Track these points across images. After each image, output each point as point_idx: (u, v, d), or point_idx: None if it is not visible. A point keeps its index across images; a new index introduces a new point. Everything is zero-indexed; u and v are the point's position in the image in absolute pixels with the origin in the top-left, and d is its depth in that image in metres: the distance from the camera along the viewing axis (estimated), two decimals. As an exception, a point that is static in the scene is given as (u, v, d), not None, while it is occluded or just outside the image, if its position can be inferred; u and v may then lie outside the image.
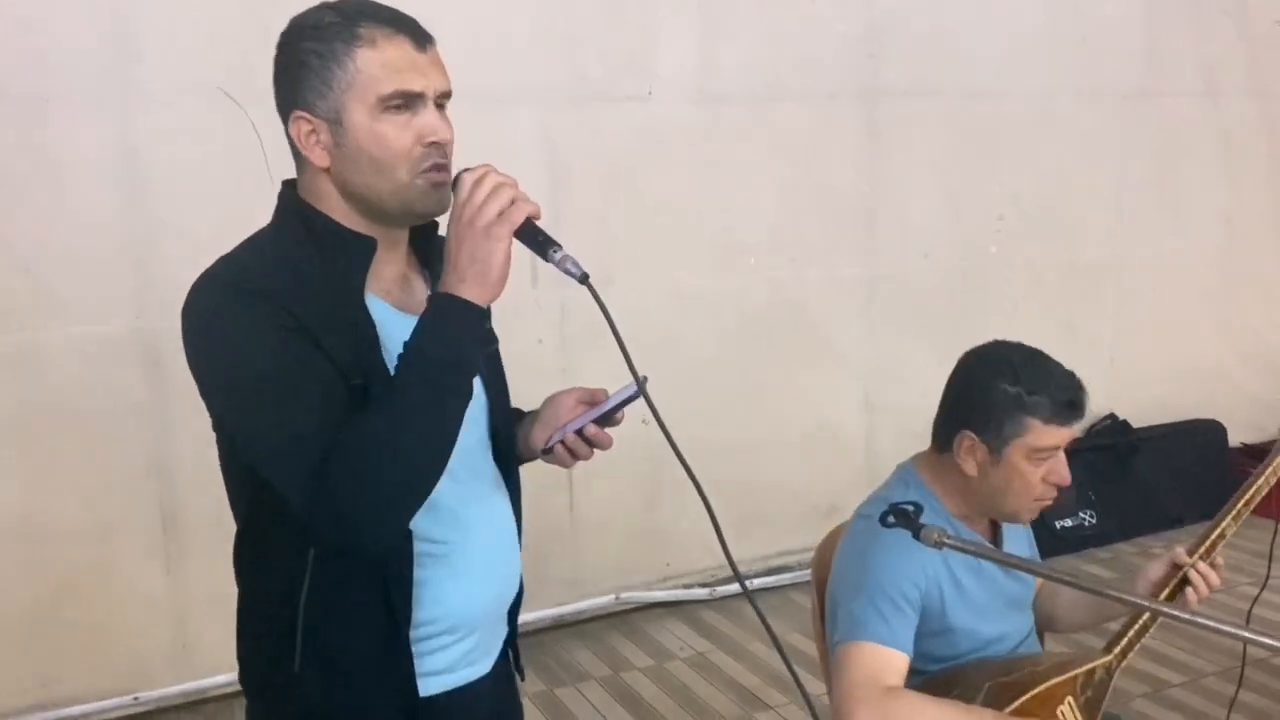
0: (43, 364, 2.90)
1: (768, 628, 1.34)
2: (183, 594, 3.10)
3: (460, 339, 1.22)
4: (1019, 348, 1.75)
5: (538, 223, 1.24)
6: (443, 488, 1.27)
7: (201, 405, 1.30)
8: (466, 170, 1.25)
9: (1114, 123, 4.35)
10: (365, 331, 1.28)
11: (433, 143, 1.27)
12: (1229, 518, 1.84)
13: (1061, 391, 1.68)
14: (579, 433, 1.40)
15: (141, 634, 3.07)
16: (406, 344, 1.23)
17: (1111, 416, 4.50)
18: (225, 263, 1.29)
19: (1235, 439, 4.65)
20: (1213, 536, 1.82)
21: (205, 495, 3.02)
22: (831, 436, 3.97)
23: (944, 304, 4.06)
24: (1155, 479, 4.44)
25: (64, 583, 2.97)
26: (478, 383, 1.38)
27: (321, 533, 1.22)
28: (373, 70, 1.25)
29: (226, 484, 1.38)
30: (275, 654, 1.33)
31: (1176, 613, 1.35)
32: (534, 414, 1.50)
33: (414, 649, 1.34)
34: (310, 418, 1.20)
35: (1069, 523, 4.27)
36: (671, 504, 3.63)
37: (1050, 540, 4.06)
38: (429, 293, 1.36)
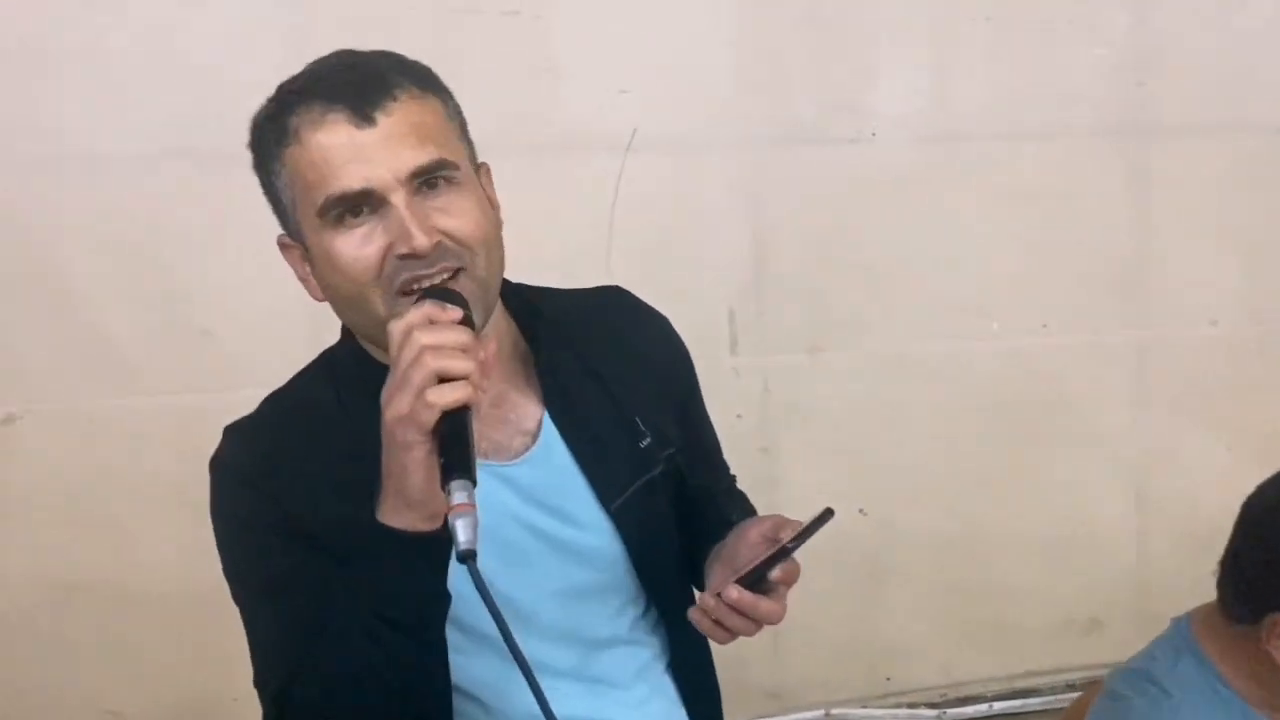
0: (216, 429, 2.81)
1: None
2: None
3: (389, 586, 0.94)
4: None
5: (476, 413, 0.90)
6: (495, 668, 1.03)
7: None
8: (394, 319, 0.92)
9: None
10: None
11: (405, 255, 0.96)
12: None
13: None
14: (719, 596, 1.03)
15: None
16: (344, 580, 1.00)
17: None
18: (234, 432, 1.18)
19: None
20: None
21: None
22: (1092, 536, 3.39)
23: (1234, 379, 3.42)
24: None
25: (231, 655, 2.85)
26: (607, 534, 1.10)
27: None
28: (301, 180, 1.00)
29: None
30: None
31: None
32: (719, 548, 1.15)
33: None
34: (299, 627, 1.02)
35: None
36: (894, 605, 3.17)
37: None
38: (540, 416, 1.07)
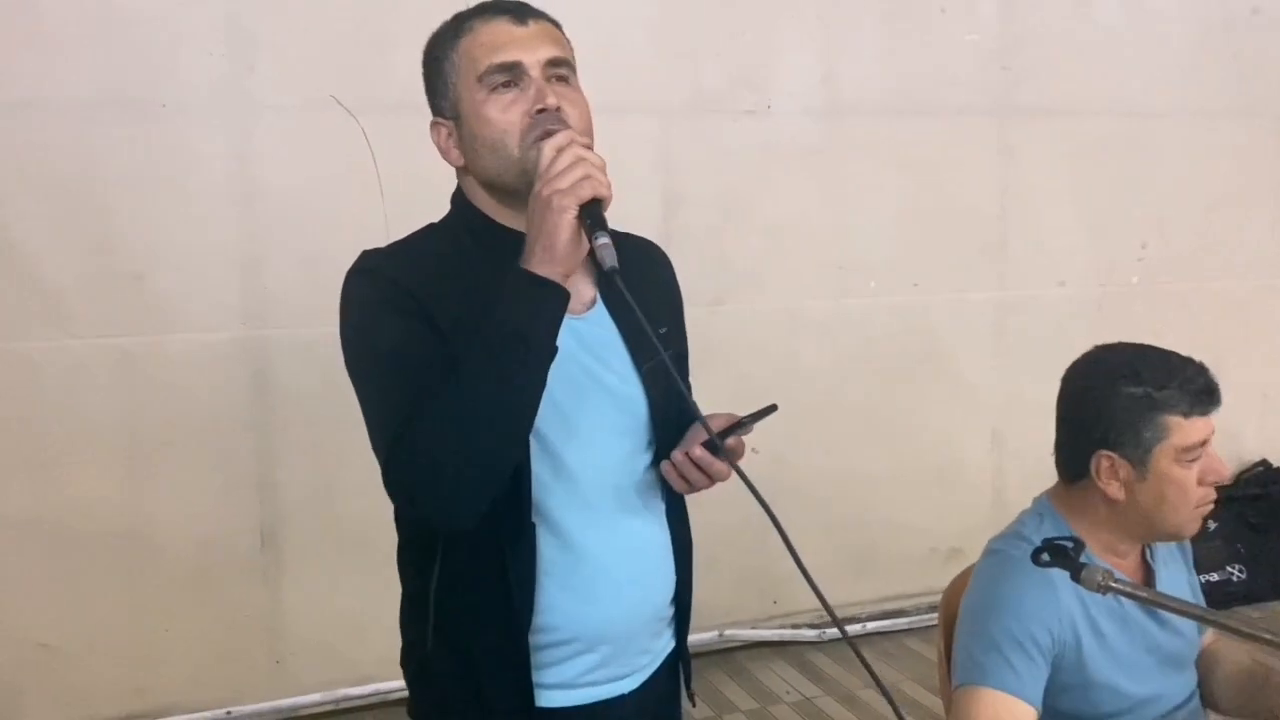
0: (149, 371, 2.90)
1: (869, 670, 1.17)
2: (278, 611, 3.05)
3: (524, 316, 1.17)
4: (1125, 346, 1.59)
5: (605, 205, 1.19)
6: (561, 510, 1.28)
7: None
8: (548, 139, 1.21)
9: (1271, 145, 4.04)
10: None
11: (540, 110, 1.24)
12: None
13: (1191, 379, 1.51)
14: (687, 454, 1.30)
15: (236, 648, 3.04)
16: (478, 321, 1.20)
17: (1264, 463, 4.14)
18: (368, 253, 1.33)
19: None
20: None
21: (305, 511, 3.05)
22: (956, 474, 3.74)
23: (1080, 335, 3.69)
24: (1314, 532, 4.08)
25: (163, 592, 2.96)
26: (637, 392, 1.34)
27: (396, 502, 1.24)
28: (472, 53, 1.27)
29: None
30: (418, 641, 1.37)
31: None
32: (688, 432, 1.40)
33: (532, 657, 1.32)
34: (406, 394, 1.19)
35: (1215, 577, 3.93)
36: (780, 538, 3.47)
37: (1195, 594, 3.75)
38: (595, 293, 1.34)
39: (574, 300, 1.26)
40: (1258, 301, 4.11)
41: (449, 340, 1.23)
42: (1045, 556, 1.20)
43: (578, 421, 1.30)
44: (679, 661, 1.49)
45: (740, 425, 1.29)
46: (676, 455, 1.31)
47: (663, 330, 1.34)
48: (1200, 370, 1.53)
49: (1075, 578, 1.17)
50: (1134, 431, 1.50)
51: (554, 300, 1.18)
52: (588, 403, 1.31)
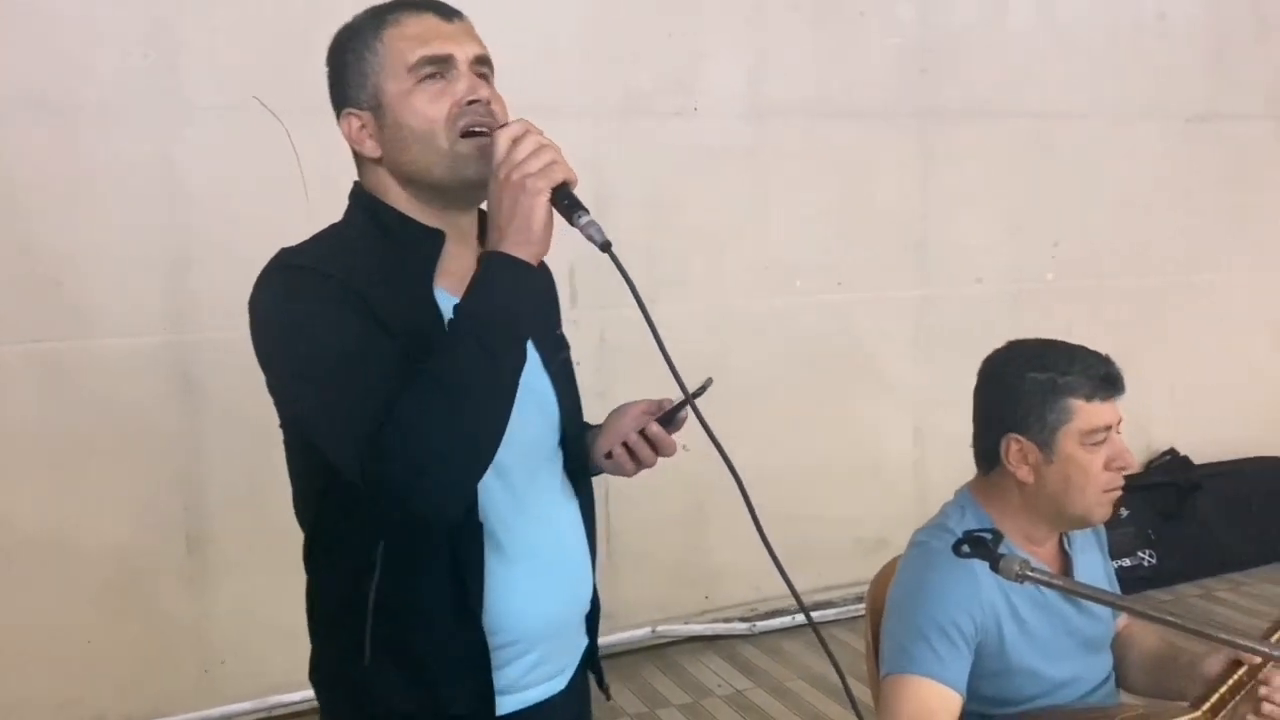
0: (72, 377, 2.85)
1: (830, 655, 1.22)
2: (207, 618, 3.02)
3: (508, 295, 1.17)
4: (1035, 340, 1.68)
5: (572, 189, 1.20)
6: (500, 507, 1.27)
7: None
8: (502, 127, 1.21)
9: (1179, 145, 4.21)
10: (429, 323, 1.25)
11: (470, 102, 1.24)
12: None
13: (1093, 365, 1.59)
14: (641, 433, 1.35)
15: (165, 657, 2.99)
16: (456, 306, 1.19)
17: (1172, 452, 4.31)
18: (287, 250, 1.28)
19: (1303, 477, 4.44)
20: None
21: (233, 516, 3.02)
22: (880, 466, 3.84)
23: (997, 331, 3.82)
24: (1218, 518, 4.24)
25: (89, 601, 2.91)
26: (549, 389, 1.36)
27: (382, 502, 1.18)
28: (399, 45, 1.26)
29: (295, 484, 1.36)
30: (347, 650, 1.30)
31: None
32: (599, 427, 1.45)
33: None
34: (369, 389, 1.16)
35: (1127, 562, 4.08)
36: (712, 533, 3.53)
37: (1108, 580, 3.89)
38: None
39: None
40: (1166, 297, 4.27)
41: (395, 338, 1.20)
42: (965, 548, 1.25)
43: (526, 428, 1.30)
44: (595, 657, 1.49)
45: (688, 401, 1.30)
46: (631, 435, 1.34)
47: (559, 330, 1.39)
48: (1103, 360, 1.60)
49: (994, 568, 1.22)
50: (1039, 414, 1.58)
51: (534, 282, 1.20)
52: (517, 410, 1.29)
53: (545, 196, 1.17)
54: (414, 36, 1.26)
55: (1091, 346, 1.66)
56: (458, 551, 1.26)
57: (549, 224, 1.18)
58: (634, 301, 1.19)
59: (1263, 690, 1.52)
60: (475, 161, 1.24)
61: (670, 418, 1.34)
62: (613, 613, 3.51)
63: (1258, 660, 1.51)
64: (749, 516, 1.29)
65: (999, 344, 4.30)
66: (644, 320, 1.20)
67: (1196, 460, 4.32)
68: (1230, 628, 3.86)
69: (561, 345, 1.42)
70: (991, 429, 1.64)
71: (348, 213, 1.35)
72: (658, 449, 1.36)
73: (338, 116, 1.32)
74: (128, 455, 2.90)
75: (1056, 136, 3.96)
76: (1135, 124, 4.11)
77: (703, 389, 1.29)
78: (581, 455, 1.43)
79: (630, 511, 3.46)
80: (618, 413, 1.42)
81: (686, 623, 3.64)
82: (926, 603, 1.56)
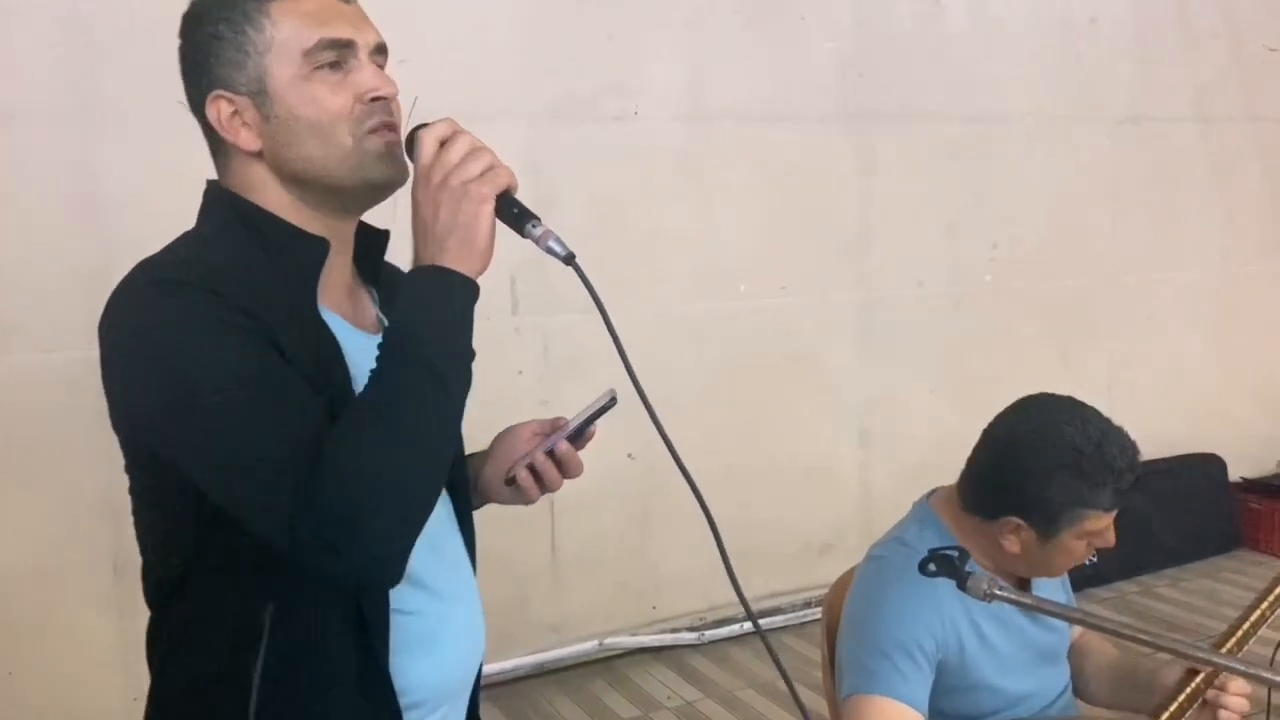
0: (-14, 393, 2.71)
1: (779, 665, 1.18)
2: (134, 646, 2.88)
3: (456, 315, 1.06)
4: (1069, 415, 1.53)
5: (516, 195, 1.10)
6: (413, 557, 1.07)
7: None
8: (422, 127, 1.09)
9: (1109, 148, 4.26)
10: (326, 344, 1.10)
11: (376, 98, 1.11)
12: (1260, 609, 1.55)
13: (1123, 477, 1.51)
14: (550, 454, 1.23)
15: (90, 686, 2.86)
16: (390, 330, 1.05)
17: (1109, 450, 4.36)
18: (153, 262, 1.09)
19: (1235, 473, 4.53)
20: (1241, 631, 1.54)
21: None
22: (824, 470, 3.82)
23: (938, 333, 3.95)
24: (1156, 515, 4.30)
25: (8, 630, 2.77)
26: None
27: (312, 562, 0.99)
28: (292, 24, 1.10)
29: (146, 536, 1.16)
30: None
31: (1252, 670, 1.19)
32: (484, 453, 1.33)
33: None
34: (286, 427, 1.00)
35: (1069, 561, 4.12)
36: (659, 543, 3.47)
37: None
38: (376, 312, 1.21)
39: (363, 319, 1.16)
40: (1100, 298, 4.33)
41: (284, 354, 1.04)
42: (932, 567, 1.22)
43: None
44: (474, 705, 1.33)
45: (596, 416, 1.23)
46: (538, 455, 1.23)
47: None
48: (1132, 465, 1.51)
49: (961, 586, 1.19)
50: (1053, 516, 1.52)
51: (472, 299, 1.07)
52: None
53: (490, 205, 1.06)
54: (310, 15, 1.10)
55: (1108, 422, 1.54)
56: (362, 604, 1.10)
57: (493, 233, 1.07)
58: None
59: (1217, 696, 1.51)
60: (383, 162, 1.12)
61: (580, 434, 1.23)
62: (559, 626, 3.48)
63: (1211, 669, 1.50)
64: (700, 523, 1.22)
65: (941, 347, 4.28)
66: (605, 329, 1.12)
67: (1132, 457, 4.38)
68: (1173, 625, 3.90)
69: None
70: (996, 497, 1.56)
71: (207, 217, 1.16)
72: (566, 471, 1.24)
73: (196, 99, 1.13)
74: (48, 477, 2.76)
75: (993, 139, 3.98)
76: (1068, 126, 4.16)
77: (608, 406, 1.21)
78: (464, 485, 1.29)
79: (575, 523, 3.41)
80: (507, 435, 1.31)
81: (634, 634, 3.59)
82: (888, 620, 1.53)
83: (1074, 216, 4.21)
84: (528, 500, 1.27)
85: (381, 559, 1.01)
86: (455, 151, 1.07)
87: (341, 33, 1.11)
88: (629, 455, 3.36)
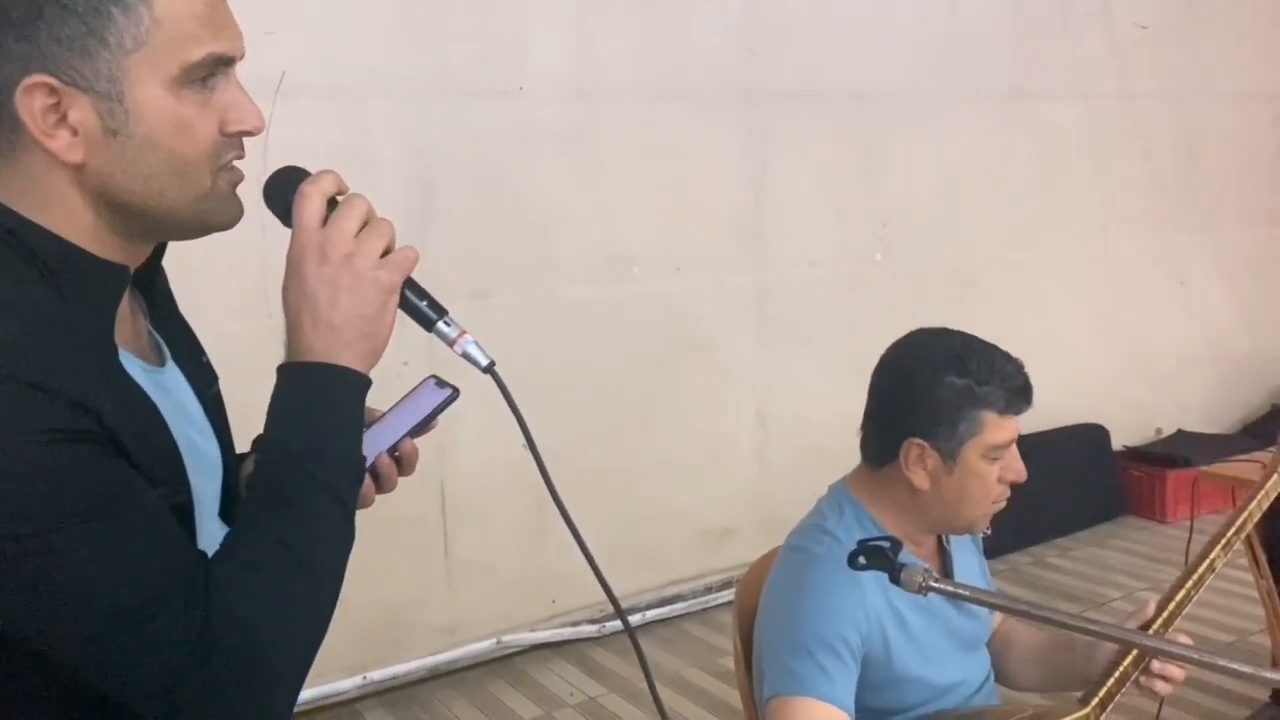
0: None
1: (647, 674, 1.09)
2: None
3: (355, 424, 0.92)
4: (948, 334, 1.53)
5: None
6: None
7: None
8: (308, 181, 0.93)
9: (991, 126, 4.30)
10: (143, 408, 0.90)
11: (239, 132, 0.92)
12: (1185, 588, 1.53)
13: (1012, 378, 1.49)
14: (391, 453, 1.06)
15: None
16: (275, 436, 0.90)
17: (1000, 425, 4.43)
18: None
19: (1118, 442, 4.65)
20: (1168, 610, 1.52)
21: None
22: (723, 455, 3.76)
23: (832, 313, 3.93)
24: (1043, 485, 4.34)
25: None
26: (215, 448, 1.03)
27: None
28: (176, 24, 0.87)
29: None
30: None
31: (1182, 652, 1.15)
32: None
33: None
34: (170, 559, 0.84)
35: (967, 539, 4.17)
36: (556, 536, 3.30)
37: (946, 554, 3.95)
38: (149, 330, 1.01)
39: (142, 345, 0.98)
40: (986, 275, 4.37)
41: (125, 452, 0.85)
42: (862, 560, 1.14)
43: (208, 509, 0.99)
44: None
45: (439, 411, 1.07)
46: (383, 459, 1.05)
47: (204, 358, 1.08)
48: (1019, 370, 1.50)
49: (895, 580, 1.12)
50: (950, 423, 1.47)
51: (364, 399, 0.94)
52: (208, 482, 1.00)
53: (397, 296, 0.92)
54: (201, 18, 0.88)
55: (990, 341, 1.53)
56: None
57: (392, 326, 0.93)
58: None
59: (1153, 683, 1.48)
60: (230, 205, 0.94)
61: (423, 429, 1.09)
62: (454, 627, 3.34)
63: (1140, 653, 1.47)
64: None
65: (835, 326, 4.25)
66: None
67: (1021, 431, 4.45)
68: (1067, 594, 3.94)
69: (211, 378, 1.09)
70: (892, 428, 1.52)
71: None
72: (405, 469, 1.08)
73: (7, 83, 0.86)
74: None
75: (882, 117, 3.98)
76: (954, 104, 4.17)
77: (450, 399, 1.07)
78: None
79: (468, 521, 3.28)
80: None
81: (533, 629, 3.48)
82: (810, 616, 1.45)
83: (960, 194, 4.24)
84: (363, 505, 1.07)
85: (278, 699, 0.88)
86: (350, 220, 0.91)
87: (230, 47, 0.91)
88: (523, 446, 3.24)
